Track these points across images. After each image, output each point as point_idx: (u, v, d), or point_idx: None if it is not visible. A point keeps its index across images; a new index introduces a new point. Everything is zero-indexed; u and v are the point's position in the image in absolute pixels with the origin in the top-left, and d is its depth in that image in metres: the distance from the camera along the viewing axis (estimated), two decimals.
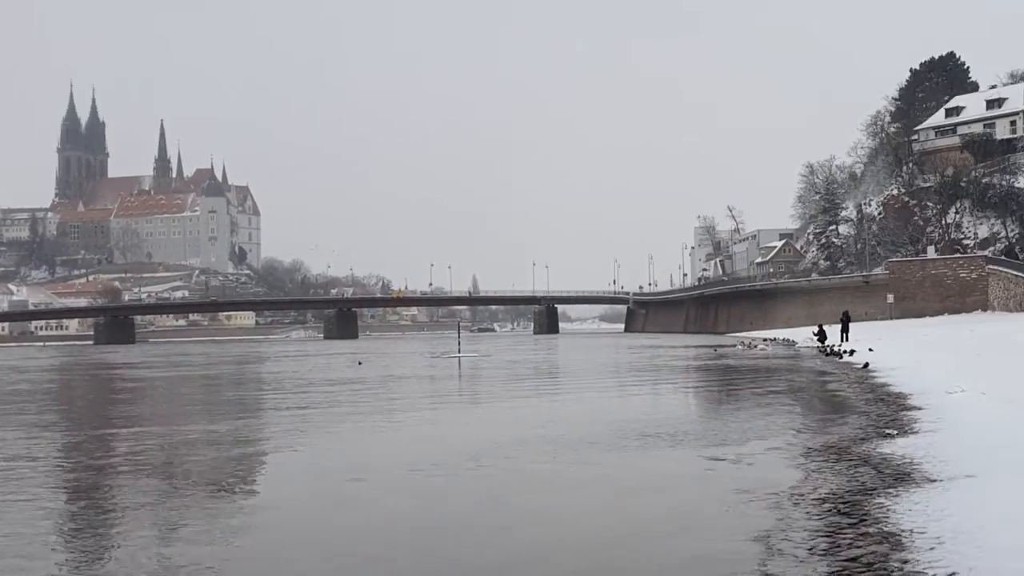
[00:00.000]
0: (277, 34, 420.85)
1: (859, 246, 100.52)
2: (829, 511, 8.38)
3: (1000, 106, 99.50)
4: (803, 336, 57.42)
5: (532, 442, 13.94)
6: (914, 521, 7.61)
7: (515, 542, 8.23)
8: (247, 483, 11.83)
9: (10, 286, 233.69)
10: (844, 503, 8.62)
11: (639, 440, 13.90)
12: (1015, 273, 72.06)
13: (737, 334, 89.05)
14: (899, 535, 7.29)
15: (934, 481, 9.16)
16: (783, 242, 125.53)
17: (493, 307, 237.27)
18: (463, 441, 14.77)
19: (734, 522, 8.32)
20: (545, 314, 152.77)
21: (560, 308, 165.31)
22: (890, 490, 8.94)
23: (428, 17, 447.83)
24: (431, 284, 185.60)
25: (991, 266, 77.65)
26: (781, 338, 65.23)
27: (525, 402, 23.69)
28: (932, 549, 6.80)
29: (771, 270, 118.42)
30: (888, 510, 8.11)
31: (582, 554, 7.74)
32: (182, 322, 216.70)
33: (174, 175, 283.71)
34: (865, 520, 7.89)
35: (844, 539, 7.39)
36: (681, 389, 27.96)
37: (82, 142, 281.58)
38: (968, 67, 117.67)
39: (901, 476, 9.64)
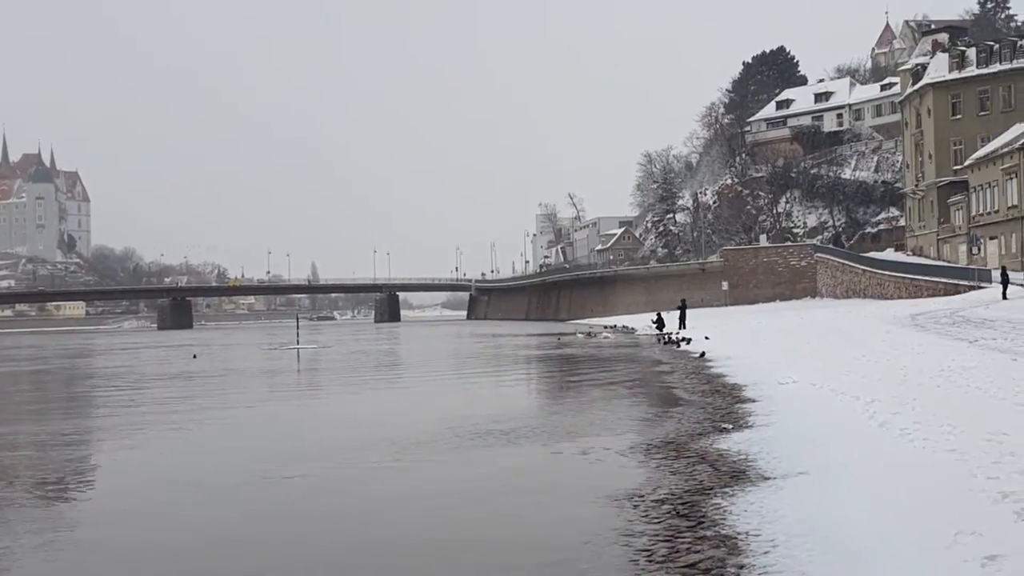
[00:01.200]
0: (109, 15, 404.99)
1: (695, 234, 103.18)
2: (668, 513, 8.37)
3: (827, 99, 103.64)
4: (643, 323, 58.47)
5: (358, 444, 13.71)
6: (749, 523, 7.67)
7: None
8: (67, 486, 11.22)
9: None
10: (683, 504, 8.64)
11: (476, 438, 13.76)
12: (841, 261, 75.09)
13: (579, 321, 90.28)
14: (735, 538, 7.32)
15: (768, 479, 9.28)
16: (623, 230, 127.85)
17: (333, 295, 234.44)
18: (291, 445, 14.44)
19: (571, 527, 8.22)
20: (386, 302, 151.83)
21: (402, 295, 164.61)
22: (726, 489, 9.02)
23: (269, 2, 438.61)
24: (269, 272, 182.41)
25: (819, 254, 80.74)
26: (621, 325, 66.33)
27: (362, 397, 23.41)
28: (767, 553, 6.84)
29: (611, 257, 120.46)
30: (725, 511, 8.16)
31: None
32: (8, 313, 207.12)
33: None
34: (703, 523, 7.91)
35: (683, 543, 7.38)
36: (522, 381, 28.10)
37: None
38: (797, 61, 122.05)
39: (737, 474, 9.75)
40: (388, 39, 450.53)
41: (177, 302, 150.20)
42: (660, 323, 49.95)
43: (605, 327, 65.14)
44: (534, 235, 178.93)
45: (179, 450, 14.45)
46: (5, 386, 31.84)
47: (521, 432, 14.18)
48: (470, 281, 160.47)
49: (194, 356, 44.33)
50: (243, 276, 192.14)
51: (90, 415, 20.78)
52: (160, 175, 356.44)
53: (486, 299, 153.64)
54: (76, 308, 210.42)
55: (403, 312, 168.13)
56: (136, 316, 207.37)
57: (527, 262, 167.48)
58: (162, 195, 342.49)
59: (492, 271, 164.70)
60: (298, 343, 52.58)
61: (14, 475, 12.22)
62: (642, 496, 9.14)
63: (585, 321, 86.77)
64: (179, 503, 10.27)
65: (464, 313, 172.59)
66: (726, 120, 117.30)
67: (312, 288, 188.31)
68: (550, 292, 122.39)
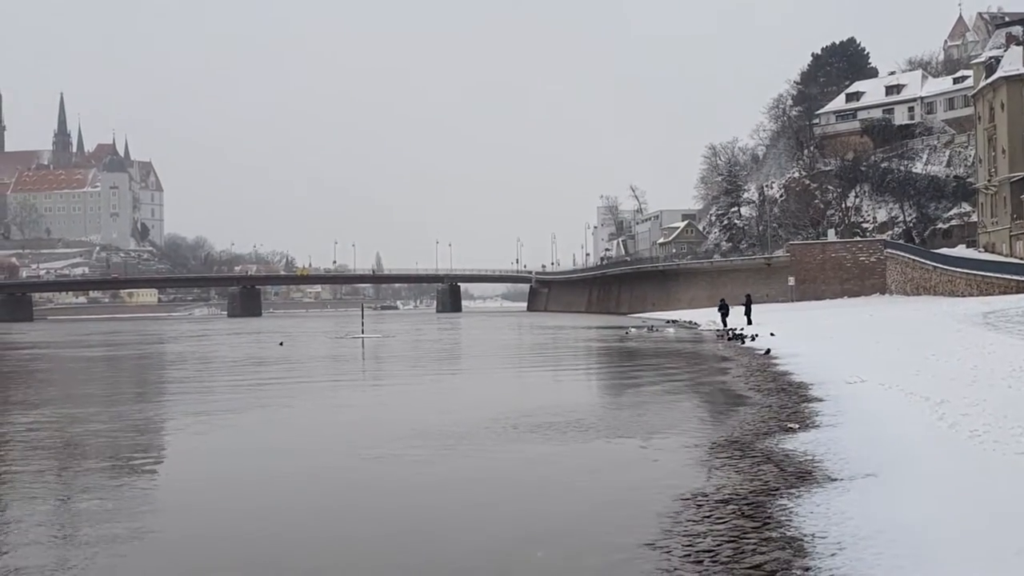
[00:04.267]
0: (181, 10, 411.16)
1: (761, 228, 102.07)
2: (733, 514, 8.31)
3: (898, 92, 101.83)
4: (706, 318, 58.07)
5: (421, 433, 13.75)
6: (816, 525, 7.60)
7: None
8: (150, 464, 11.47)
9: None
10: (748, 504, 8.55)
11: (535, 431, 13.73)
12: (912, 257, 73.84)
13: (639, 315, 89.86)
14: (801, 540, 7.25)
15: (835, 480, 9.17)
16: (686, 223, 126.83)
17: (396, 285, 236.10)
18: (360, 432, 14.60)
19: (633, 526, 8.16)
20: (448, 292, 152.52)
21: (463, 286, 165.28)
22: (792, 490, 8.92)
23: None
24: (335, 262, 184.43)
25: (889, 250, 79.48)
26: (684, 320, 65.91)
27: (424, 387, 23.56)
28: (833, 555, 6.78)
29: (674, 251, 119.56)
30: (791, 512, 8.08)
31: None
32: (83, 299, 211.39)
33: (75, 150, 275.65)
34: (768, 524, 7.84)
35: (748, 544, 7.32)
36: (582, 374, 28.04)
37: None
38: (868, 53, 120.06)
39: (803, 474, 9.64)
40: (448, 35, 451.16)
41: (247, 290, 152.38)
42: (724, 309, 49.53)
43: (667, 321, 64.79)
44: (595, 227, 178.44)
45: (282, 427, 14.73)
46: (105, 371, 32.58)
47: (581, 427, 14.12)
48: (530, 273, 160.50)
49: (280, 344, 45.00)
50: (310, 266, 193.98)
51: (175, 399, 21.16)
52: (231, 166, 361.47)
53: (546, 291, 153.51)
54: (149, 295, 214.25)
55: (464, 303, 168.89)
56: (207, 304, 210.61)
57: (587, 255, 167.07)
58: (233, 185, 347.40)
59: (552, 263, 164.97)
60: (363, 332, 53.02)
61: (127, 457, 12.51)
62: (706, 495, 9.06)
63: (646, 315, 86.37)
64: (244, 490, 10.50)
65: (524, 305, 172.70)
66: (794, 112, 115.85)
67: (376, 278, 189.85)
68: (611, 285, 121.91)
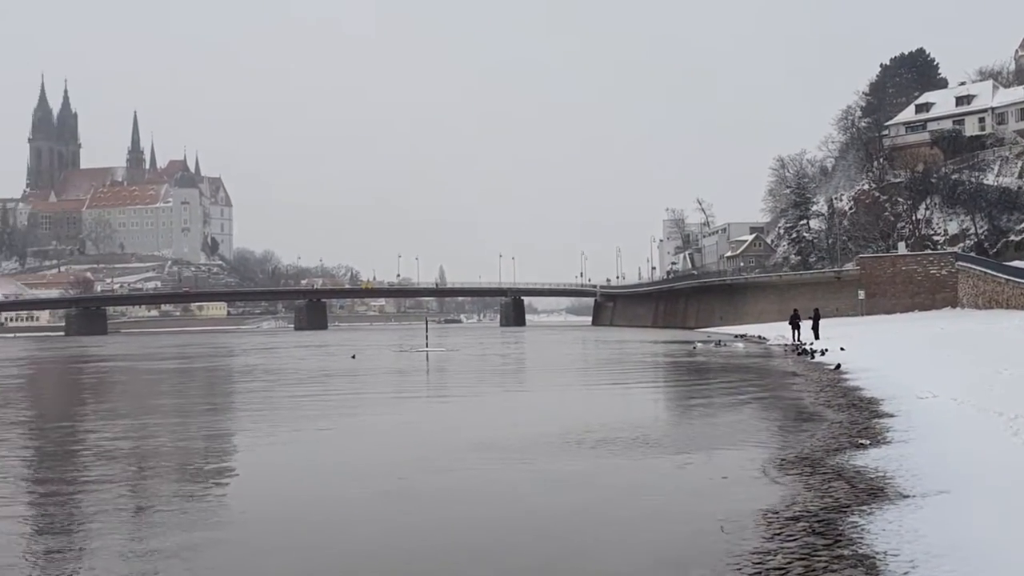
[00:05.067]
0: (250, 29, 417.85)
1: (830, 241, 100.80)
2: (803, 531, 8.24)
3: (969, 103, 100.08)
4: (774, 332, 57.52)
5: (486, 446, 13.84)
6: (888, 542, 7.52)
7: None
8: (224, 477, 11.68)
9: None
10: (819, 521, 8.47)
11: (600, 445, 13.72)
12: (984, 270, 72.35)
13: (707, 329, 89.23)
14: (873, 558, 7.19)
15: (907, 497, 9.07)
16: (754, 236, 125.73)
17: (460, 298, 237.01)
18: (424, 445, 14.70)
19: (702, 543, 8.15)
20: (512, 306, 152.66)
21: (527, 300, 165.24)
22: (864, 507, 8.83)
23: (387, 13, 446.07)
24: (399, 275, 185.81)
25: (961, 263, 77.99)
26: (752, 334, 65.32)
27: (488, 401, 23.65)
28: (906, 573, 6.72)
29: (741, 264, 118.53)
30: (862, 530, 8.00)
31: None
32: (154, 313, 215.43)
33: (147, 166, 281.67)
34: (840, 541, 7.77)
35: (819, 562, 7.26)
36: (648, 389, 27.91)
37: (54, 133, 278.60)
38: (937, 63, 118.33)
39: (874, 491, 9.53)
40: (512, 47, 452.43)
41: (313, 304, 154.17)
42: (796, 322, 49.05)
43: (735, 336, 64.28)
44: (661, 241, 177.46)
45: (350, 440, 14.92)
46: (178, 383, 33.19)
47: (647, 442, 14.10)
48: (595, 287, 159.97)
49: (353, 357, 45.41)
50: (374, 279, 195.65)
51: (245, 411, 21.52)
52: (297, 180, 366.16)
53: (611, 305, 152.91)
54: (218, 308, 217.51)
55: (528, 317, 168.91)
56: (274, 317, 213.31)
57: (653, 268, 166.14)
58: (299, 199, 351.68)
59: (618, 276, 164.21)
60: (427, 346, 53.33)
61: (199, 468, 12.77)
62: (776, 512, 9.00)
63: (714, 329, 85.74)
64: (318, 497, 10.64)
65: (589, 319, 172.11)
66: (863, 124, 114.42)
67: (440, 291, 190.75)
68: (677, 299, 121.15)
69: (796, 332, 48.55)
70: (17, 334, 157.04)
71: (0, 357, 57.39)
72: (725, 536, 8.26)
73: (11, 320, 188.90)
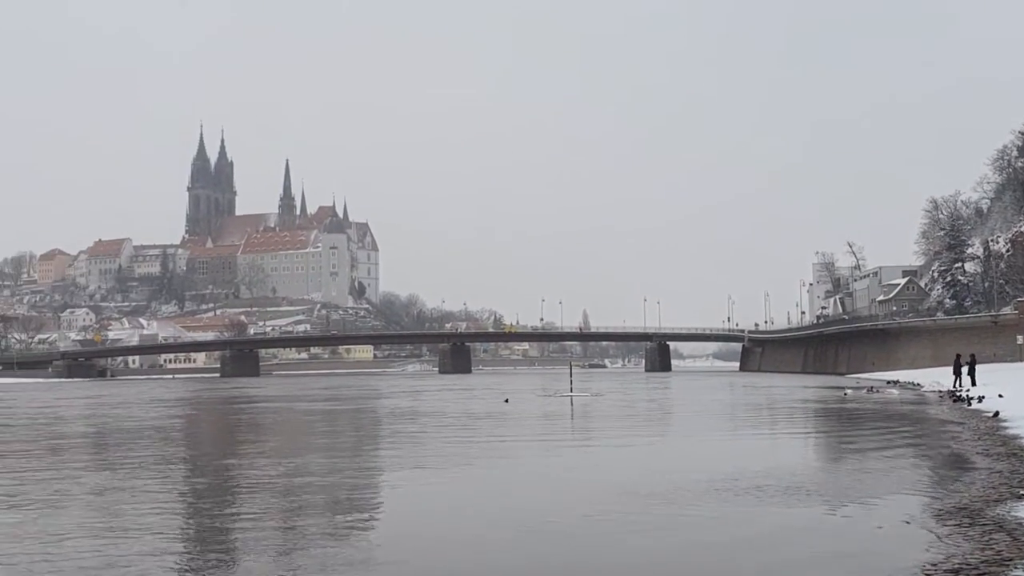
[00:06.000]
0: (398, 77, 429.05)
1: (986, 284, 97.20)
2: None
3: None
4: (929, 379, 55.69)
5: (630, 492, 13.79)
6: None
7: None
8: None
9: (141, 320, 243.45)
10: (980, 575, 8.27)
11: (747, 493, 13.53)
12: None
13: (858, 375, 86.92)
14: None
15: None
16: (906, 280, 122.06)
17: (604, 343, 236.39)
18: (569, 489, 14.78)
19: None
20: (657, 351, 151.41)
21: (672, 345, 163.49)
22: None
23: (524, 52, 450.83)
24: (542, 319, 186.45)
25: None
26: (905, 380, 63.39)
27: (634, 447, 23.52)
28: None
29: (893, 308, 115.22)
30: None
31: None
32: (304, 355, 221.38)
33: (298, 212, 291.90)
34: None
35: None
36: (798, 436, 27.43)
37: (211, 181, 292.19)
38: None
39: None
40: (675, 95, 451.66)
41: (457, 347, 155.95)
42: (958, 365, 47.51)
43: (888, 382, 62.48)
44: (810, 284, 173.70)
45: (499, 481, 15.16)
46: (330, 423, 34.39)
47: (797, 490, 13.83)
48: (742, 331, 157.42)
49: (506, 401, 45.69)
50: (517, 323, 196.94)
51: (393, 452, 22.01)
52: (442, 225, 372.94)
53: (759, 350, 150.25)
54: (364, 351, 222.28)
55: (673, 362, 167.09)
56: (419, 359, 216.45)
57: (803, 313, 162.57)
58: (444, 244, 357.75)
59: (766, 321, 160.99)
60: (572, 390, 53.35)
61: (348, 506, 13.18)
62: (934, 565, 8.72)
63: (865, 375, 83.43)
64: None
65: (736, 364, 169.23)
66: (1020, 163, 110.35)
67: (583, 336, 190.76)
68: (828, 344, 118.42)
69: (958, 378, 46.95)
70: (175, 375, 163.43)
71: (164, 397, 59.98)
72: None
73: (169, 361, 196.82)
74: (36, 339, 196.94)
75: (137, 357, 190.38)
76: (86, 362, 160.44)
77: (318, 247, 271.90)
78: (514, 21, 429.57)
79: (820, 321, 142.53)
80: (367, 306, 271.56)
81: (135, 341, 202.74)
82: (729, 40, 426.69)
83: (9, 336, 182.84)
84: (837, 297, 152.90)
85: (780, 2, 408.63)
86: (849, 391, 51.72)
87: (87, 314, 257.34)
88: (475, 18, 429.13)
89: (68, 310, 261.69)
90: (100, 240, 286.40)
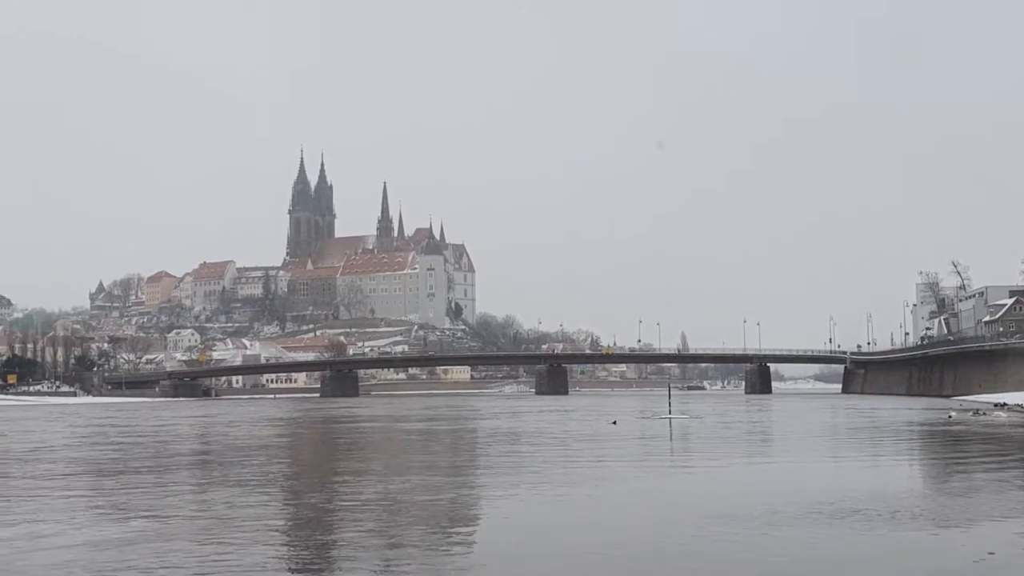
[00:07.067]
0: (493, 99, 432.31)
1: None
2: None
3: None
4: None
5: (726, 515, 13.89)
6: None
7: None
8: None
9: (244, 341, 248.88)
10: None
11: (850, 516, 13.53)
12: None
13: (964, 397, 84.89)
14: None
15: None
16: (1014, 300, 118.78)
17: (703, 365, 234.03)
18: (670, 510, 14.97)
19: None
20: (757, 373, 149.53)
21: (773, 367, 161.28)
22: None
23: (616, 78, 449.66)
24: (640, 340, 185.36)
25: None
26: (1014, 403, 61.81)
27: (734, 470, 23.60)
28: None
29: (1000, 329, 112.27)
30: None
31: None
32: (402, 376, 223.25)
33: (395, 234, 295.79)
34: None
35: None
36: (903, 458, 27.13)
37: (311, 204, 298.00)
38: None
39: None
40: (773, 126, 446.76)
41: (553, 368, 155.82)
42: None
43: (995, 405, 61.01)
44: (914, 305, 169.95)
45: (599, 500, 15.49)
46: (432, 443, 35.32)
47: (902, 512, 13.83)
48: (844, 353, 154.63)
49: (614, 423, 45.61)
50: (614, 344, 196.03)
51: (493, 472, 22.45)
52: (538, 245, 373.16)
53: (862, 372, 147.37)
54: (461, 372, 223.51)
55: (774, 384, 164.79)
56: (516, 381, 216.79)
57: (907, 334, 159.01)
58: (540, 264, 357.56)
59: (868, 343, 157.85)
60: (670, 413, 53.23)
61: (447, 525, 13.65)
62: None
63: (971, 398, 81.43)
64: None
65: (838, 386, 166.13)
66: None
67: (682, 357, 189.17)
68: (932, 366, 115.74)
69: None
70: (277, 395, 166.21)
71: (268, 416, 61.52)
72: None
73: (271, 381, 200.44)
74: (144, 359, 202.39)
75: (240, 377, 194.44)
76: (191, 382, 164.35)
77: (415, 268, 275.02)
78: (604, 39, 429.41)
79: (924, 342, 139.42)
80: (464, 327, 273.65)
81: (238, 361, 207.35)
82: (833, 57, 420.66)
83: (118, 356, 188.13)
84: (942, 318, 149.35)
85: (889, 20, 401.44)
86: (954, 413, 50.73)
87: (192, 335, 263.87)
88: (566, 36, 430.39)
89: (174, 331, 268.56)
90: (205, 263, 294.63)
